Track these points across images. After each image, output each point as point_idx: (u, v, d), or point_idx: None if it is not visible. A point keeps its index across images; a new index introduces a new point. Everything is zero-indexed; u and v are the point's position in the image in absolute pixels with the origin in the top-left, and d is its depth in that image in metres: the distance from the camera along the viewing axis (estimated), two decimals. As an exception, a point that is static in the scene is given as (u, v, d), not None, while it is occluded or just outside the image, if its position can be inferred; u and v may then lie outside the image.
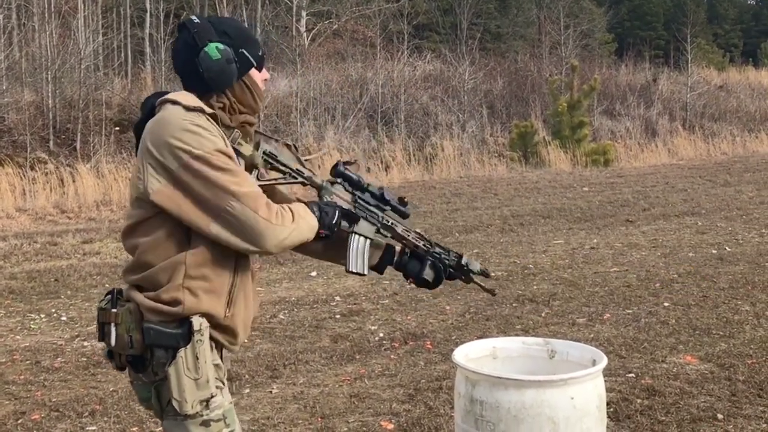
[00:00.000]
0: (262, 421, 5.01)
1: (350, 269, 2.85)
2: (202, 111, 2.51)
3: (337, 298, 8.32)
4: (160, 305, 2.51)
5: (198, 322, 2.52)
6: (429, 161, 21.34)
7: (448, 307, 7.79)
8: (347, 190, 2.86)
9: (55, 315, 7.99)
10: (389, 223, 2.93)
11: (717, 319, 7.06)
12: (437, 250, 3.05)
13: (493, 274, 9.21)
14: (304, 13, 32.63)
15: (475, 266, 3.10)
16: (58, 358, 6.54)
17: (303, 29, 32.24)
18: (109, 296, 2.57)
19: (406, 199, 2.96)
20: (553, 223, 12.91)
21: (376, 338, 6.82)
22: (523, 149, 22.87)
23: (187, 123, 2.46)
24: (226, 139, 2.54)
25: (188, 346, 2.50)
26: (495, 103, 26.11)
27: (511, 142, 23.28)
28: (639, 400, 5.12)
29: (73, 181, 16.59)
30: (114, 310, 2.52)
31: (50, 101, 19.69)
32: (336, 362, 6.24)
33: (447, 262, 3.06)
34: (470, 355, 3.48)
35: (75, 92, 20.31)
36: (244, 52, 2.63)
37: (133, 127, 2.67)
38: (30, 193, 16.12)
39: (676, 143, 26.02)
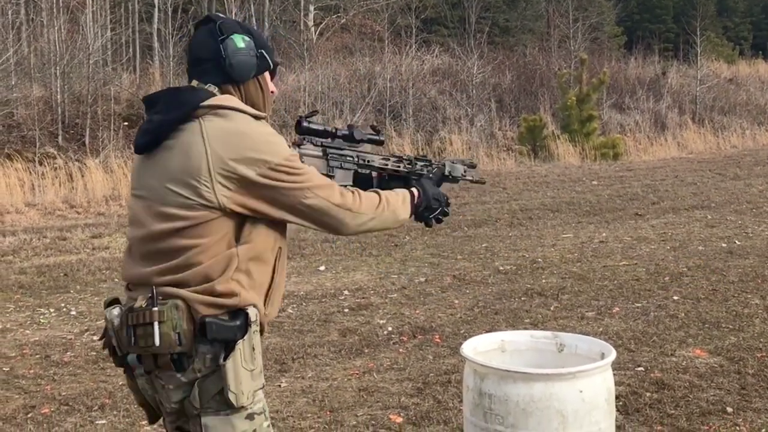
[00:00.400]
0: (271, 415, 5.00)
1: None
2: (261, 118, 2.59)
3: (346, 292, 8.33)
4: (214, 298, 2.51)
5: (254, 312, 2.55)
6: (437, 155, 21.32)
7: (456, 301, 7.79)
8: (316, 144, 2.88)
9: (64, 309, 8.01)
10: (366, 161, 2.96)
11: (726, 312, 7.04)
12: (418, 166, 3.08)
13: (502, 267, 9.21)
14: (311, 8, 32.61)
15: (458, 170, 3.21)
16: (68, 353, 6.56)
17: (311, 24, 32.23)
18: (149, 296, 2.49)
19: (378, 127, 3.04)
20: (562, 217, 12.88)
21: (385, 332, 6.82)
22: (531, 143, 22.82)
23: (262, 134, 2.54)
24: None
25: (245, 338, 2.51)
26: (503, 96, 26.05)
27: (520, 136, 23.23)
28: (648, 394, 5.11)
29: (82, 176, 16.61)
30: (156, 309, 2.45)
31: (59, 96, 19.72)
32: (344, 356, 6.24)
33: (432, 174, 3.12)
34: (479, 348, 3.48)
35: (83, 87, 20.33)
36: (264, 52, 2.68)
37: (152, 125, 2.59)
38: (39, 188, 16.15)
39: (685, 137, 25.93)
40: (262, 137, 2.53)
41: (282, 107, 21.70)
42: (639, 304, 7.41)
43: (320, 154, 2.86)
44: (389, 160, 3.02)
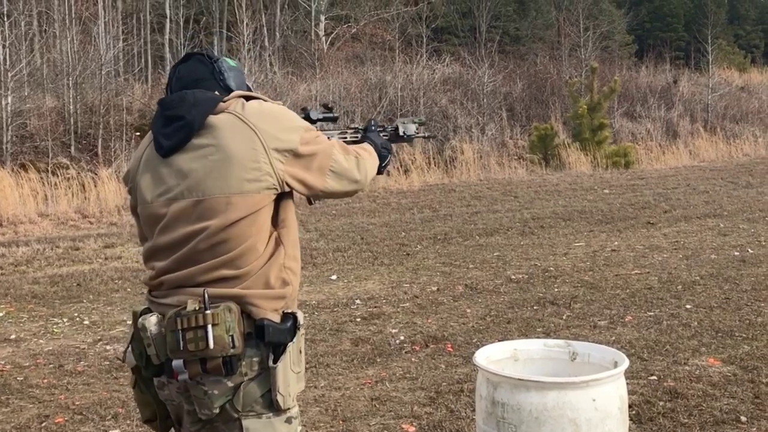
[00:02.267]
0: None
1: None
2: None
3: (358, 301, 8.33)
4: (270, 290, 2.58)
5: (301, 315, 2.64)
6: (448, 164, 21.32)
7: (468, 310, 7.78)
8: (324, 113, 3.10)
9: (77, 319, 8.04)
10: (327, 138, 3.03)
11: (740, 321, 7.01)
12: (372, 127, 3.19)
13: (513, 276, 9.20)
14: (322, 18, 32.70)
15: (411, 129, 3.40)
16: (81, 362, 6.58)
17: (322, 33, 32.32)
18: (198, 299, 2.50)
19: (329, 104, 3.18)
20: (574, 226, 12.87)
21: (397, 341, 6.82)
22: (543, 152, 22.81)
23: (286, 110, 2.72)
24: None
25: (294, 340, 2.58)
26: (514, 105, 26.06)
27: (531, 145, 23.23)
28: (661, 403, 5.10)
29: (95, 186, 16.68)
30: (209, 312, 2.46)
31: (71, 107, 19.82)
32: (357, 365, 6.25)
33: (386, 137, 3.29)
34: (491, 357, 3.48)
35: (96, 98, 20.44)
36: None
37: (183, 123, 2.61)
38: (52, 199, 16.22)
39: (697, 145, 25.88)
40: (288, 113, 2.72)
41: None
42: (651, 313, 7.39)
43: None
44: (347, 132, 3.16)
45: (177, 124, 2.61)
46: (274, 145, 2.59)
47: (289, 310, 2.64)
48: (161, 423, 2.77)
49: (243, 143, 2.57)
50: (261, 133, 2.58)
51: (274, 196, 2.61)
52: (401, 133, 3.36)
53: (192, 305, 2.49)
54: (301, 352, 2.62)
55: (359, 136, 3.16)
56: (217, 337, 2.45)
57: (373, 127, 3.17)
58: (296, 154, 2.63)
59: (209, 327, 2.45)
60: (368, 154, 2.92)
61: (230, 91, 2.71)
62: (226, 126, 2.59)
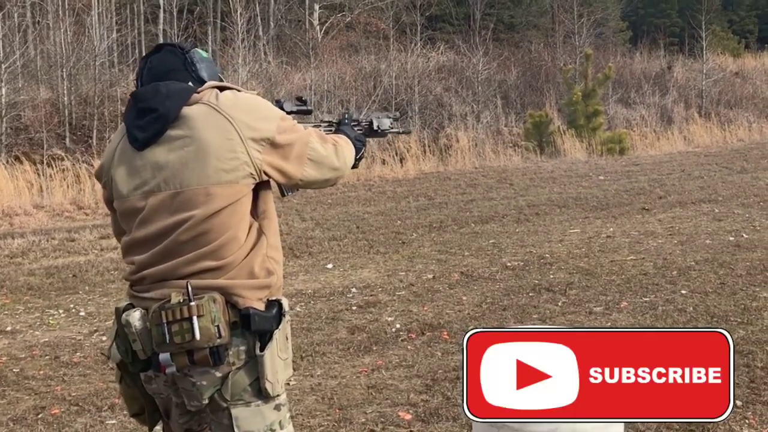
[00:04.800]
0: (280, 413, 5.02)
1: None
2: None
3: (354, 289, 8.34)
4: (254, 280, 2.59)
5: (286, 301, 2.64)
6: (444, 152, 21.30)
7: (464, 298, 7.80)
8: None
9: (73, 310, 8.04)
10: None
11: (735, 306, 7.03)
12: (346, 119, 3.20)
13: (509, 263, 9.21)
14: (316, 6, 32.63)
15: (385, 123, 3.39)
16: (77, 353, 6.59)
17: (316, 22, 32.25)
18: (182, 291, 2.50)
19: (303, 97, 3.17)
20: (569, 213, 12.88)
21: (393, 329, 6.83)
22: (538, 139, 22.80)
23: (261, 100, 2.72)
24: None
25: (280, 327, 2.59)
26: (509, 93, 26.03)
27: (526, 132, 23.22)
28: (657, 388, 5.11)
29: (90, 178, 16.64)
30: (193, 303, 2.46)
31: (66, 98, 19.77)
32: (353, 354, 6.26)
33: (360, 131, 3.28)
34: (486, 344, 3.48)
35: (90, 89, 20.38)
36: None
37: (158, 115, 2.60)
38: (47, 190, 16.19)
39: (691, 131, 25.88)
40: (263, 102, 2.72)
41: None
42: (647, 299, 7.41)
43: None
44: (320, 126, 3.15)
45: (151, 116, 2.59)
46: (250, 134, 2.59)
47: (274, 298, 2.64)
48: (149, 417, 2.78)
49: (219, 133, 2.56)
50: (236, 122, 2.58)
51: (252, 186, 2.61)
52: (375, 128, 3.37)
53: (176, 298, 2.49)
54: (287, 338, 2.62)
55: (333, 129, 3.15)
56: (203, 328, 2.46)
57: (346, 121, 3.18)
58: (273, 143, 2.63)
59: (194, 318, 2.45)
60: (345, 143, 2.93)
61: (203, 82, 2.70)
62: (201, 117, 2.57)
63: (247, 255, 2.60)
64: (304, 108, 3.11)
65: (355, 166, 3.07)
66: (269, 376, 2.55)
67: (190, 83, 2.67)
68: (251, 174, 2.59)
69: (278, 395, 2.61)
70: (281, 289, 2.73)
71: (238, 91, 2.69)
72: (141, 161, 2.62)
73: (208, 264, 2.55)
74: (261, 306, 2.59)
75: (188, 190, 2.55)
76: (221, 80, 2.78)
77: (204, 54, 2.79)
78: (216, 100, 2.61)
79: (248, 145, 2.57)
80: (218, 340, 2.48)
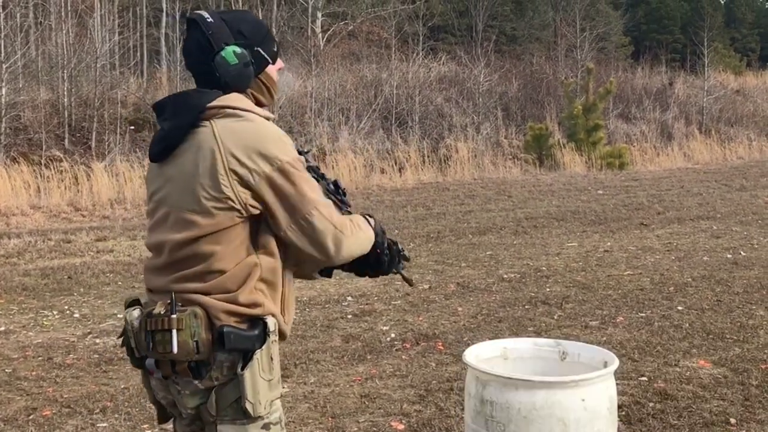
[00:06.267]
0: (272, 420, 4.99)
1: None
2: (269, 119, 2.56)
3: (349, 298, 8.31)
4: (238, 307, 2.48)
5: (272, 321, 2.52)
6: (443, 163, 21.32)
7: (460, 309, 7.77)
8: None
9: (67, 312, 8.02)
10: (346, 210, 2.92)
11: (731, 323, 7.01)
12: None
13: (506, 275, 9.20)
14: (319, 14, 32.66)
15: (407, 257, 3.07)
16: (70, 355, 6.56)
17: (318, 30, 32.27)
18: (168, 302, 2.46)
19: (341, 186, 2.88)
20: (567, 226, 12.86)
21: (388, 339, 6.81)
22: (537, 152, 22.82)
23: (273, 132, 2.49)
24: None
25: (263, 347, 2.48)
26: (510, 105, 26.06)
27: (526, 145, 23.24)
28: (651, 404, 5.09)
29: (88, 179, 16.64)
30: (174, 316, 2.41)
31: (66, 100, 19.77)
32: (347, 362, 6.23)
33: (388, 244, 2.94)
34: (481, 355, 3.47)
35: (90, 91, 20.38)
36: (260, 50, 2.60)
37: (161, 136, 2.56)
38: (45, 191, 16.18)
39: (691, 147, 25.92)
40: (273, 135, 2.49)
41: (288, 113, 21.72)
42: (643, 314, 7.39)
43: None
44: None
45: (161, 134, 2.57)
46: (237, 168, 2.44)
47: (265, 315, 2.54)
48: (158, 411, 2.76)
49: (208, 161, 2.45)
50: (224, 152, 2.45)
51: (239, 219, 2.48)
52: (400, 248, 2.97)
53: (159, 308, 2.46)
54: (272, 359, 2.52)
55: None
56: (181, 342, 2.42)
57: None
58: (267, 177, 2.45)
59: (174, 331, 2.41)
60: (363, 230, 2.64)
61: (229, 90, 2.55)
62: (199, 138, 2.49)
63: (235, 286, 2.50)
64: (345, 200, 2.77)
65: (328, 275, 2.82)
66: (250, 396, 2.47)
67: (216, 88, 2.55)
68: (234, 207, 2.46)
69: (263, 415, 2.51)
70: (285, 309, 2.64)
71: (254, 114, 2.53)
72: (154, 172, 2.65)
73: (193, 286, 2.50)
74: (243, 325, 2.50)
75: (176, 213, 2.52)
76: (247, 87, 2.60)
77: (232, 59, 2.52)
78: (218, 124, 2.49)
79: (231, 179, 2.44)
80: (196, 356, 2.43)
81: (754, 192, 16.84)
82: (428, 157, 21.31)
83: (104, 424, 5.05)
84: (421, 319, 7.44)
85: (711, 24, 33.06)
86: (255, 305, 2.50)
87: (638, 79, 31.43)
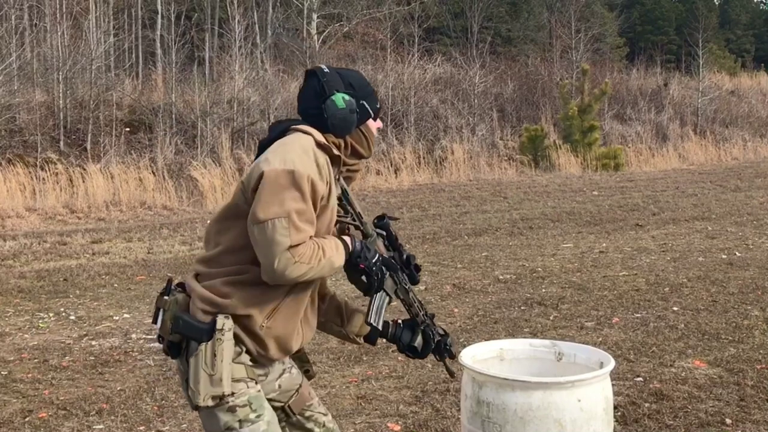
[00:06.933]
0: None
1: (369, 320, 3.03)
2: (327, 150, 2.76)
3: (345, 299, 8.30)
4: (210, 294, 2.70)
5: (221, 321, 2.68)
6: (439, 164, 21.33)
7: (456, 310, 7.78)
8: (385, 245, 3.01)
9: (63, 314, 8.01)
10: (407, 287, 3.05)
11: (726, 323, 7.02)
12: (429, 322, 3.15)
13: (501, 276, 9.20)
14: (314, 16, 32.64)
15: (455, 352, 3.22)
16: (66, 357, 6.55)
17: (314, 32, 32.26)
18: (165, 285, 2.79)
19: (420, 266, 3.10)
20: (563, 227, 12.88)
21: (384, 340, 6.79)
22: (533, 153, 22.84)
23: (300, 146, 2.69)
24: (332, 176, 2.76)
25: (209, 343, 2.66)
26: (505, 106, 26.10)
27: (521, 146, 23.26)
28: (647, 404, 5.10)
29: (83, 182, 16.62)
30: (165, 298, 2.75)
31: (61, 101, 19.75)
32: (343, 363, 6.23)
33: (435, 336, 3.18)
34: (477, 356, 3.47)
35: (86, 93, 20.36)
36: (365, 103, 2.87)
37: (258, 143, 2.86)
38: (40, 193, 16.16)
39: (686, 148, 25.96)
40: (299, 148, 2.68)
41: (285, 114, 21.72)
42: (639, 315, 7.40)
43: (385, 253, 2.99)
44: (414, 303, 3.11)
45: (259, 145, 2.90)
46: (261, 161, 2.70)
47: (231, 311, 2.71)
48: None
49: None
50: (263, 155, 2.73)
51: (246, 207, 2.68)
52: (448, 342, 3.23)
53: (163, 288, 2.80)
54: (215, 356, 2.65)
55: (420, 314, 3.10)
56: (164, 321, 2.74)
57: (428, 330, 3.20)
58: (263, 174, 2.64)
59: (161, 311, 2.76)
60: (326, 257, 2.73)
61: (329, 134, 2.81)
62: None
63: (225, 263, 2.75)
64: (415, 276, 3.06)
65: (371, 342, 3.16)
66: (192, 383, 2.66)
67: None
68: (245, 192, 2.72)
69: (225, 397, 2.66)
70: (274, 317, 2.76)
71: (307, 135, 2.75)
72: None
73: (200, 268, 2.81)
74: (206, 318, 2.69)
75: (228, 200, 2.89)
76: (348, 132, 2.84)
77: (341, 104, 2.78)
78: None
79: (253, 168, 2.71)
80: (170, 336, 2.72)
81: (749, 193, 16.87)
82: (424, 158, 21.32)
83: (100, 426, 5.05)
84: (417, 320, 7.43)
85: (706, 25, 33.13)
86: (225, 296, 2.70)
87: (633, 80, 31.49)
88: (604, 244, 11.17)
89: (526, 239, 11.82)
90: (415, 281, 3.05)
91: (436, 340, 3.17)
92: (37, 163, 17.42)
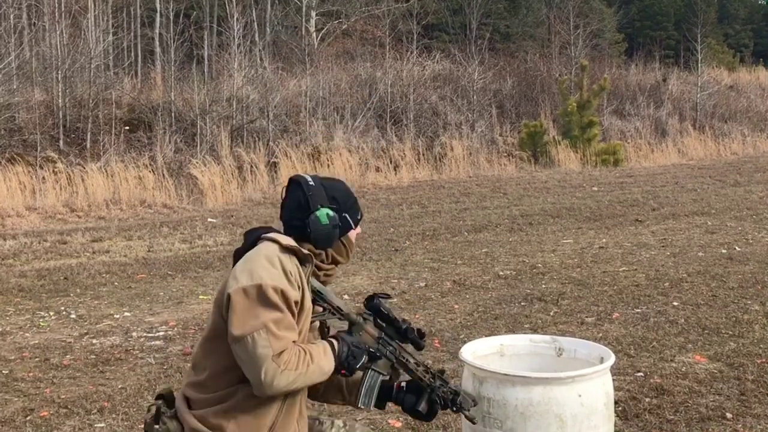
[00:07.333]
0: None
1: (360, 405, 2.96)
2: (294, 253, 2.73)
3: (346, 296, 8.32)
4: (203, 428, 2.68)
5: None
6: (438, 161, 21.32)
7: (456, 306, 7.78)
8: (376, 325, 2.97)
9: (64, 313, 8.01)
10: (404, 359, 2.98)
11: (726, 318, 7.03)
12: (438, 383, 3.04)
13: (502, 272, 9.21)
14: (313, 13, 32.64)
15: (468, 403, 3.08)
16: (67, 356, 6.56)
17: (312, 29, 32.27)
18: (154, 408, 2.77)
19: (424, 331, 3.05)
20: (563, 223, 12.88)
21: (385, 337, 6.80)
22: (532, 149, 22.84)
23: (266, 256, 2.68)
24: (303, 279, 2.73)
25: None
26: (504, 102, 26.08)
27: (521, 142, 23.25)
28: (648, 399, 5.11)
29: (83, 180, 16.61)
30: (156, 426, 2.74)
31: (60, 100, 19.73)
32: (344, 360, 6.23)
33: (443, 396, 3.04)
34: (478, 352, 3.48)
35: (85, 91, 20.34)
36: (347, 216, 2.90)
37: (234, 252, 2.87)
38: (40, 192, 16.15)
39: (686, 143, 25.95)
40: (264, 259, 2.67)
41: (283, 112, 21.71)
42: (639, 310, 7.41)
43: (376, 335, 2.95)
44: (419, 367, 3.02)
45: (235, 253, 2.90)
46: (231, 279, 2.68)
47: None
48: None
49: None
50: (234, 268, 2.73)
51: (224, 326, 2.67)
52: (458, 401, 3.05)
53: (152, 411, 2.81)
54: None
55: (425, 377, 3.00)
56: None
57: (440, 389, 3.04)
58: (234, 293, 2.63)
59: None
60: (315, 363, 2.72)
61: (311, 245, 2.83)
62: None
63: (211, 388, 2.73)
64: (418, 342, 2.98)
65: (380, 407, 3.09)
66: None
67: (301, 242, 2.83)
68: (221, 311, 2.71)
69: None
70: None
71: (275, 244, 2.73)
72: None
73: (189, 392, 2.80)
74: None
75: (209, 319, 2.89)
76: (330, 246, 2.88)
77: (325, 220, 2.81)
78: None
79: (227, 284, 2.70)
80: None
81: (749, 187, 16.88)
82: (423, 155, 21.31)
83: (102, 425, 5.06)
84: (417, 316, 7.45)
85: (704, 20, 33.10)
86: (219, 429, 2.68)
87: (632, 75, 31.47)
88: (604, 240, 11.18)
89: (526, 235, 11.83)
90: (419, 348, 2.98)
91: (443, 398, 3.03)
92: (37, 162, 17.41)
